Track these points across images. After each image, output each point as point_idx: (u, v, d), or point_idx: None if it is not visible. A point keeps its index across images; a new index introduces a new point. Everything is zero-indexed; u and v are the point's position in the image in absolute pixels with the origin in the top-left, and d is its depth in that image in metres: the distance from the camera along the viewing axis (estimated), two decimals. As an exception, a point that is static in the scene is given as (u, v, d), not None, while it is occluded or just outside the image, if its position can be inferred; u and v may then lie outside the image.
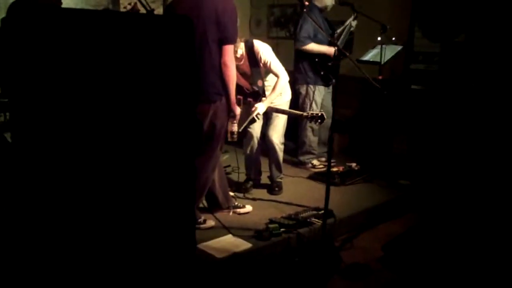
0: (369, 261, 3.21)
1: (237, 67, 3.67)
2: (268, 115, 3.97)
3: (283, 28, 6.46)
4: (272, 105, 3.81)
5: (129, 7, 4.00)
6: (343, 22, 4.72)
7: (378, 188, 4.32)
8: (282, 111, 3.92)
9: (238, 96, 3.77)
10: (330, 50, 4.44)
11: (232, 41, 3.05)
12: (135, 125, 2.14)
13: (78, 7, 5.34)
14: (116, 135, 2.11)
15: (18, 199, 2.23)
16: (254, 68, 3.82)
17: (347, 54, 3.59)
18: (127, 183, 2.18)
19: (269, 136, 4.03)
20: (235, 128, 3.31)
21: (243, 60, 3.78)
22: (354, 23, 4.65)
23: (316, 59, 4.56)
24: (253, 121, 3.81)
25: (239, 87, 3.72)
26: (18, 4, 3.02)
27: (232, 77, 3.06)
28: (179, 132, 2.28)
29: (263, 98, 3.79)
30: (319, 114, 3.66)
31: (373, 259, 3.25)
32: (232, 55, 3.06)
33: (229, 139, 3.37)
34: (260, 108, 3.73)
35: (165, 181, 2.30)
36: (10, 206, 2.28)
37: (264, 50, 3.78)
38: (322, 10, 4.63)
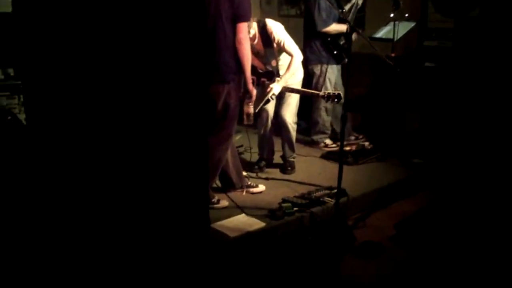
0: (382, 239, 3.22)
1: (251, 47, 3.66)
2: (281, 95, 3.94)
3: (294, 6, 6.38)
4: (286, 85, 3.80)
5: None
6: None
7: (391, 167, 4.30)
8: (298, 91, 3.90)
9: (252, 77, 3.75)
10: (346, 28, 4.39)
11: (246, 19, 3.04)
12: (145, 103, 2.16)
13: None
14: (127, 115, 2.13)
15: (34, 180, 2.27)
16: (267, 48, 3.80)
17: (359, 31, 3.56)
18: (140, 162, 2.21)
19: (282, 116, 4.02)
20: (251, 109, 3.30)
21: (256, 40, 3.75)
22: (360, 1, 4.57)
23: (329, 38, 4.52)
24: (267, 101, 3.81)
25: (253, 68, 3.68)
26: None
27: (247, 55, 3.06)
28: (190, 110, 2.29)
29: (277, 78, 3.77)
30: (336, 93, 3.63)
31: (386, 237, 3.26)
32: (247, 33, 3.06)
33: (245, 122, 3.37)
34: (275, 88, 3.71)
35: (177, 159, 2.32)
36: (26, 188, 2.33)
37: (277, 29, 3.75)
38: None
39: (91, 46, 1.98)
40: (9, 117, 3.70)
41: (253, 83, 3.74)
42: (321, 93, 3.72)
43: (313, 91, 3.98)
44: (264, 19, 3.78)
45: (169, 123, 2.24)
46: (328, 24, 4.45)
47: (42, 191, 2.21)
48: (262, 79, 3.83)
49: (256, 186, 3.64)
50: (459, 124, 4.50)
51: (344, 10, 4.43)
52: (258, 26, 3.73)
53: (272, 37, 3.73)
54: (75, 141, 2.08)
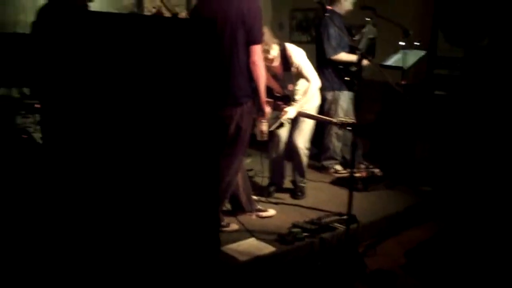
0: (393, 267, 3.20)
1: (269, 69, 3.70)
2: (295, 120, 3.97)
3: (305, 32, 6.47)
4: (301, 110, 3.82)
5: (154, 10, 4.08)
6: (362, 27, 4.72)
7: (401, 194, 4.30)
8: (312, 117, 3.93)
9: (268, 99, 3.78)
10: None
11: (259, 41, 3.05)
12: (158, 127, 2.18)
13: (104, 10, 5.44)
14: (139, 137, 2.15)
15: (49, 195, 2.28)
16: (285, 71, 3.84)
17: (370, 58, 3.60)
18: (151, 184, 2.22)
19: (295, 141, 4.03)
20: (265, 127, 3.30)
21: (274, 62, 3.79)
22: (373, 30, 4.64)
23: (340, 66, 4.57)
24: (281, 125, 3.84)
25: (269, 90, 3.72)
26: (47, 8, 3.09)
27: (262, 75, 3.07)
28: (202, 134, 2.31)
29: (293, 103, 3.80)
30: (350, 122, 3.61)
31: (397, 265, 3.24)
32: (260, 54, 3.06)
33: (258, 138, 3.37)
34: (290, 112, 3.74)
35: (188, 182, 2.33)
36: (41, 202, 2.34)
37: (297, 54, 3.80)
38: (342, 16, 4.63)
39: (107, 67, 2.01)
40: (25, 136, 3.75)
41: (268, 105, 3.79)
42: (336, 120, 3.72)
43: (327, 118, 4.00)
44: (285, 43, 3.83)
45: (178, 144, 2.26)
46: (337, 52, 4.51)
47: (56, 210, 2.22)
48: (278, 102, 3.86)
49: (266, 210, 3.64)
50: (468, 153, 4.49)
51: (355, 39, 4.49)
52: (279, 49, 3.76)
53: (291, 61, 3.78)
54: (89, 164, 2.10)
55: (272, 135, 3.97)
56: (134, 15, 3.94)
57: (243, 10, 2.96)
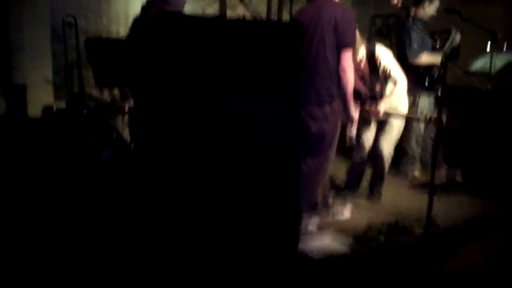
0: (472, 272, 3.10)
1: (357, 70, 3.74)
2: (381, 125, 4.00)
3: (385, 38, 6.41)
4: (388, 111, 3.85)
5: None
6: (447, 32, 4.61)
7: (482, 200, 4.15)
8: (397, 116, 3.93)
9: (356, 102, 3.83)
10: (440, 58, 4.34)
11: (350, 46, 3.13)
12: (245, 125, 2.29)
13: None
14: (226, 136, 2.27)
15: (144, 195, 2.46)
16: (373, 73, 3.89)
17: (454, 61, 3.52)
18: (235, 182, 2.33)
19: (379, 146, 4.03)
20: (353, 132, 3.34)
21: (362, 64, 3.85)
22: (458, 37, 4.51)
23: (421, 70, 4.50)
24: (368, 124, 3.89)
25: (356, 92, 3.75)
26: (139, 21, 3.30)
27: (350, 82, 3.14)
28: (285, 131, 2.40)
29: (379, 103, 3.83)
30: (435, 117, 3.54)
31: (477, 270, 3.13)
32: (351, 61, 3.13)
33: (348, 144, 3.42)
34: (376, 112, 3.78)
35: (269, 179, 2.42)
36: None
37: (384, 56, 3.84)
38: (425, 22, 4.57)
39: (202, 64, 2.15)
40: (115, 133, 4.07)
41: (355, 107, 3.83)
42: (422, 117, 3.68)
43: (413, 115, 3.97)
44: (374, 45, 3.89)
45: (265, 142, 2.35)
46: (419, 54, 4.44)
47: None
48: (365, 103, 3.90)
49: (341, 212, 3.66)
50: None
51: (437, 43, 4.42)
52: (367, 50, 3.82)
53: (378, 62, 3.82)
54: (182, 164, 2.23)
55: (358, 139, 4.01)
56: (225, 19, 4.09)
57: (336, 15, 3.08)
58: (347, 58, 3.11)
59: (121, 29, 5.52)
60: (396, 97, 3.86)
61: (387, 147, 4.02)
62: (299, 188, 2.67)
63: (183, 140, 2.19)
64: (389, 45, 6.15)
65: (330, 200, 3.72)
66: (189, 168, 2.22)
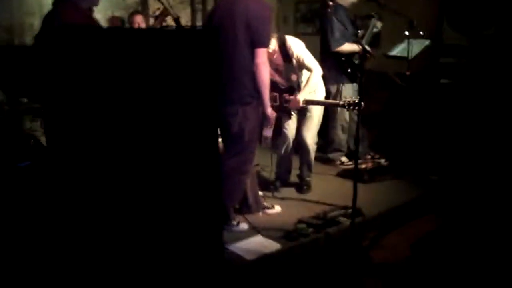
0: (398, 260, 3.24)
1: (270, 62, 3.71)
2: (302, 114, 4.03)
3: (310, 24, 6.47)
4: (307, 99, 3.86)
5: (157, 12, 4.11)
6: (368, 17, 4.71)
7: (408, 184, 4.32)
8: (317, 102, 3.96)
9: (274, 93, 3.86)
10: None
11: (264, 44, 3.07)
12: (160, 128, 2.23)
13: (109, 11, 5.49)
14: (138, 137, 2.21)
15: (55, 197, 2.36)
16: (287, 63, 3.88)
17: (372, 53, 3.60)
18: (154, 184, 2.28)
19: (302, 136, 4.07)
20: (269, 133, 3.32)
21: (275, 55, 3.83)
22: (379, 24, 4.63)
23: (343, 58, 4.57)
24: (289, 115, 3.89)
25: (273, 84, 3.78)
26: (51, 15, 3.12)
27: (265, 80, 3.08)
28: (203, 132, 2.35)
29: (298, 93, 3.83)
30: (355, 101, 3.61)
31: (402, 258, 3.27)
32: (265, 58, 3.07)
33: (262, 145, 3.40)
34: (295, 101, 3.78)
35: (190, 181, 2.38)
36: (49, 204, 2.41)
37: (296, 45, 3.83)
38: (346, 8, 4.62)
39: (109, 74, 2.06)
40: (32, 141, 3.84)
41: (274, 99, 3.83)
42: (341, 102, 3.74)
43: (333, 101, 4.04)
44: (284, 36, 3.86)
45: (181, 145, 2.30)
46: (341, 44, 4.51)
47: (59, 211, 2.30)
48: (284, 94, 3.90)
49: (272, 207, 3.69)
50: (475, 142, 4.48)
51: (359, 32, 4.49)
52: (278, 41, 3.80)
53: (291, 52, 3.81)
54: (91, 165, 2.16)
55: (280, 131, 4.02)
56: (132, 30, 3.91)
57: (248, 13, 3.01)
58: (261, 56, 3.04)
59: (36, 21, 5.20)
60: (313, 85, 3.89)
61: (310, 135, 4.07)
62: (221, 188, 2.64)
63: (95, 143, 2.12)
64: (315, 31, 6.27)
65: (261, 196, 3.73)
66: (104, 173, 2.15)
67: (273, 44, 3.75)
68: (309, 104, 3.90)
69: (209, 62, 2.22)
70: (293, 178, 4.32)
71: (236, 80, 3.10)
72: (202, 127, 2.38)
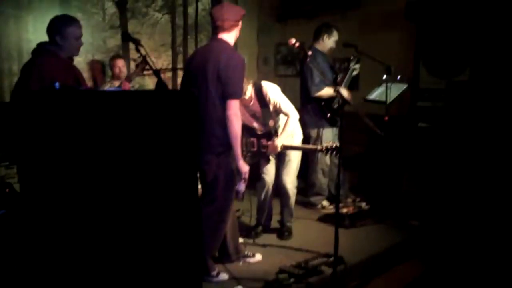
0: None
1: (247, 108, 3.82)
2: (280, 158, 4.03)
3: (290, 66, 6.56)
4: (285, 144, 3.85)
5: (138, 59, 4.12)
6: (347, 60, 4.81)
7: (389, 229, 4.31)
8: (296, 148, 3.97)
9: (251, 139, 3.87)
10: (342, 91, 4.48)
11: (234, 96, 3.05)
12: (139, 178, 2.21)
13: (89, 55, 5.50)
14: (116, 188, 2.18)
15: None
16: (264, 108, 3.89)
17: (350, 101, 3.65)
18: (133, 233, 2.24)
19: (282, 181, 4.06)
20: (241, 187, 3.28)
21: (252, 101, 3.85)
22: (357, 66, 4.73)
23: (322, 103, 4.63)
24: (268, 161, 3.91)
25: (251, 130, 3.83)
26: (29, 65, 3.09)
27: (235, 132, 3.05)
28: (181, 182, 2.33)
29: (275, 138, 3.83)
30: (333, 146, 3.60)
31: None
32: (236, 110, 3.06)
33: (235, 199, 3.35)
34: (272, 147, 3.78)
35: (169, 229, 2.34)
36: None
37: (272, 91, 3.84)
38: (324, 54, 4.71)
39: (80, 136, 2.04)
40: (7, 190, 3.76)
41: (252, 145, 3.84)
42: (319, 147, 3.72)
43: (311, 146, 4.08)
44: (260, 82, 3.89)
45: (159, 194, 2.27)
46: (320, 89, 4.57)
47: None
48: (261, 139, 3.89)
49: (253, 255, 3.63)
50: (455, 185, 4.52)
51: (338, 77, 4.57)
52: (254, 87, 3.83)
53: (268, 98, 3.83)
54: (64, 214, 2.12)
55: (259, 177, 4.00)
56: (111, 93, 3.91)
57: (219, 65, 3.03)
58: (231, 107, 3.03)
59: (14, 66, 5.17)
60: (291, 130, 3.90)
61: (290, 179, 4.07)
62: (201, 238, 2.60)
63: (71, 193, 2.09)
64: (295, 73, 6.36)
65: (241, 243, 3.68)
66: (79, 223, 2.12)
67: (249, 90, 3.78)
68: (287, 149, 3.91)
69: (187, 120, 2.22)
70: (274, 223, 4.28)
71: (208, 130, 3.09)
72: (181, 180, 2.36)
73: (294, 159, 4.05)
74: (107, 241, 2.19)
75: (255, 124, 3.92)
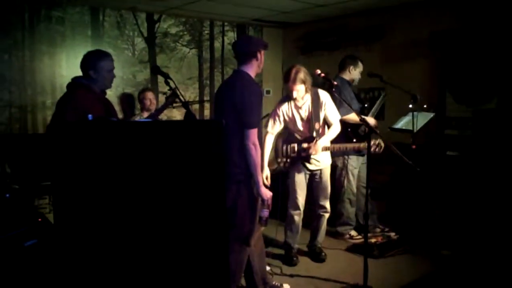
0: None
1: (299, 110, 4.03)
2: (315, 177, 4.16)
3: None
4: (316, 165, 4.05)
5: (168, 92, 4.23)
6: (375, 90, 4.85)
7: (419, 259, 4.23)
8: (339, 148, 4.15)
9: (292, 145, 4.08)
10: (369, 120, 4.50)
11: (250, 126, 3.07)
12: (166, 209, 2.25)
13: (120, 88, 5.68)
14: (148, 218, 2.22)
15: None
16: (315, 112, 4.04)
17: (377, 131, 3.67)
18: (159, 264, 2.26)
19: (318, 199, 4.18)
20: (264, 213, 3.23)
21: (307, 109, 4.03)
22: (382, 96, 4.77)
23: (349, 129, 4.64)
24: (307, 160, 4.05)
25: (292, 137, 4.08)
26: (64, 101, 3.20)
27: (254, 161, 3.08)
28: (208, 210, 2.36)
29: (318, 139, 3.99)
30: (377, 142, 3.80)
31: None
32: (253, 139, 3.08)
33: (260, 224, 3.33)
34: (315, 148, 3.94)
35: (193, 254, 2.36)
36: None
37: (326, 98, 4.08)
38: (350, 83, 4.75)
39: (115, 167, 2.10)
40: (40, 219, 3.85)
41: (293, 150, 4.04)
42: (362, 145, 4.00)
43: (356, 144, 4.23)
44: (317, 88, 4.10)
45: (189, 218, 2.30)
46: (349, 112, 4.58)
47: None
48: (302, 144, 4.04)
49: (281, 286, 3.60)
50: (485, 213, 4.43)
51: (364, 106, 4.62)
52: (311, 93, 4.01)
53: (322, 103, 4.04)
54: (98, 250, 2.16)
55: (293, 195, 4.14)
56: (142, 123, 4.01)
57: (235, 95, 3.11)
58: (249, 137, 3.06)
59: (48, 100, 5.38)
60: (332, 135, 4.08)
61: (324, 200, 4.19)
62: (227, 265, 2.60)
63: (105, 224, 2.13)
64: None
65: (268, 273, 3.66)
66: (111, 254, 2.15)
67: (306, 97, 3.98)
68: (328, 150, 4.08)
69: (215, 148, 2.27)
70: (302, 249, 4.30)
71: (228, 159, 3.12)
72: (211, 207, 2.39)
73: (327, 178, 4.17)
74: (139, 275, 2.22)
75: (301, 127, 4.07)
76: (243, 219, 3.20)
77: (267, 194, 3.18)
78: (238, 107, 3.08)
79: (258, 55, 3.24)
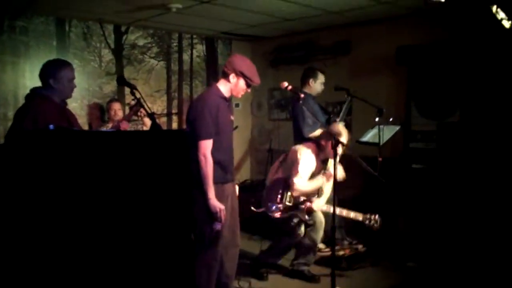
0: None
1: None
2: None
3: (284, 110, 6.64)
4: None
5: (132, 102, 4.17)
6: (339, 103, 4.91)
7: (385, 271, 4.26)
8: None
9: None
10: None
11: (200, 137, 3.08)
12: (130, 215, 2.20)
13: (85, 100, 5.57)
14: (112, 225, 2.17)
15: None
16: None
17: (343, 143, 3.68)
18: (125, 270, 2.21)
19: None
20: (217, 226, 3.11)
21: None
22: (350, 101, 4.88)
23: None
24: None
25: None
26: (23, 112, 3.10)
27: (203, 171, 3.05)
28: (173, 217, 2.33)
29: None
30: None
31: None
32: (203, 151, 3.07)
33: (212, 236, 3.16)
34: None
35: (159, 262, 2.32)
36: None
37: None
38: (314, 97, 4.81)
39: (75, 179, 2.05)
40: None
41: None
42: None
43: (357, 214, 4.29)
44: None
45: (154, 224, 2.27)
46: (314, 129, 4.61)
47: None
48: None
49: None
50: (449, 225, 4.49)
51: (330, 117, 4.63)
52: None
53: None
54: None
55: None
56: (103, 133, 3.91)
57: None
58: (199, 148, 3.07)
59: (10, 112, 5.22)
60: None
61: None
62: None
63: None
64: (288, 117, 6.43)
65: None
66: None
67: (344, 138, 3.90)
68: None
69: (178, 156, 2.25)
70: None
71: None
72: (175, 214, 2.36)
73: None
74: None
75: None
76: (202, 227, 3.13)
77: (216, 207, 3.09)
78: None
79: (230, 78, 3.22)
